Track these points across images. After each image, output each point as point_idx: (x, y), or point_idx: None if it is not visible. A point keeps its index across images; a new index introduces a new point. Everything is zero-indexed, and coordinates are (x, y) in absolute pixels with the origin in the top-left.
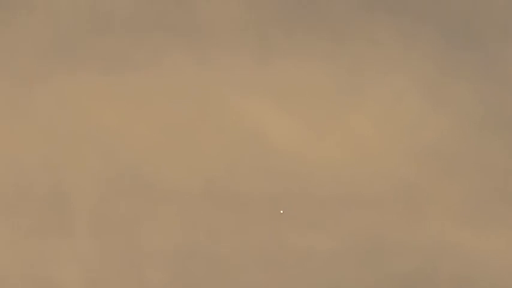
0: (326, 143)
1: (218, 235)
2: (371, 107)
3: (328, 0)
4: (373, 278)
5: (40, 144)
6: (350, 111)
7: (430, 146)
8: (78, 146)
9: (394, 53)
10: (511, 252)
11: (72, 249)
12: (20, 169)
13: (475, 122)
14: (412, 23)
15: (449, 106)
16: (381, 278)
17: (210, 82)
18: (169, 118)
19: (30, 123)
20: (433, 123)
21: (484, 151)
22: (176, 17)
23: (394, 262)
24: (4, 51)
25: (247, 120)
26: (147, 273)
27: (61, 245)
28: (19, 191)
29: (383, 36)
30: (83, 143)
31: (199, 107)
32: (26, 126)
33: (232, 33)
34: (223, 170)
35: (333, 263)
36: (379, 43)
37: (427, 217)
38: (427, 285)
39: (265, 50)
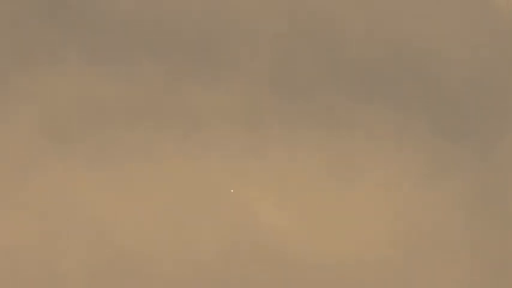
0: (319, 233)
1: None
2: (364, 196)
3: (324, 90)
4: None
5: (31, 230)
6: (343, 200)
7: (424, 234)
8: (70, 232)
9: (387, 144)
10: None
11: None
12: (12, 253)
13: (467, 210)
14: (406, 114)
15: (441, 195)
16: None
17: (203, 170)
18: (161, 206)
19: (22, 209)
20: (425, 213)
21: (476, 238)
22: (169, 105)
23: None
24: None
25: (239, 209)
26: None
27: None
28: (10, 275)
29: (377, 128)
30: (74, 230)
31: (191, 196)
32: (17, 212)
33: (226, 121)
34: (214, 258)
35: None
36: (373, 134)
37: None
38: None
39: (259, 139)
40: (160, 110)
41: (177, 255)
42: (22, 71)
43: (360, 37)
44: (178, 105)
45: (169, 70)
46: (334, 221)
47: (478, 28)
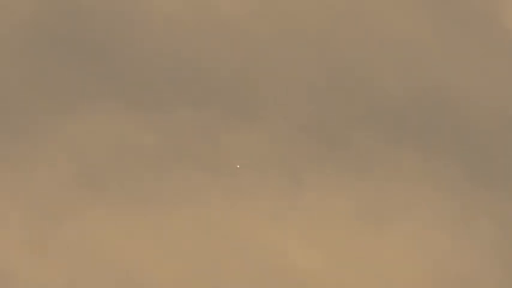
0: (349, 278)
1: None
2: (395, 242)
3: (358, 135)
4: None
5: (62, 273)
6: (374, 246)
7: (456, 282)
8: (99, 278)
9: (419, 190)
10: None
11: None
12: None
13: (502, 258)
14: (438, 159)
15: (474, 242)
16: None
17: (236, 215)
18: (192, 251)
19: (54, 257)
20: (457, 261)
21: (508, 284)
22: (205, 151)
23: None
24: (28, 185)
25: (270, 253)
26: None
27: None
28: None
29: (409, 173)
30: (103, 276)
31: (223, 241)
32: (50, 260)
33: (261, 166)
34: None
35: None
36: (405, 179)
37: None
38: None
39: (292, 183)
40: (198, 156)
41: None
42: (60, 118)
43: (395, 83)
44: (215, 151)
45: (206, 117)
46: (366, 266)
47: (511, 74)
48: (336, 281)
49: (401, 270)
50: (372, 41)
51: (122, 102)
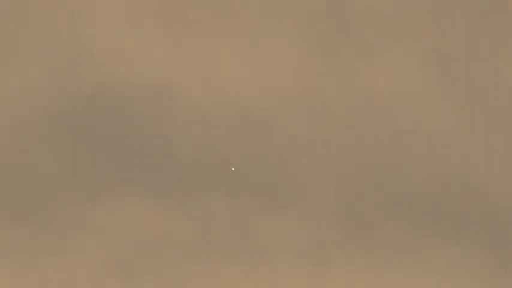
0: None
1: None
2: None
3: (386, 224)
4: None
5: None
6: None
7: None
8: None
9: (446, 278)
10: None
11: None
12: None
13: None
14: (467, 247)
15: None
16: None
17: None
18: None
19: None
20: None
21: None
22: (236, 239)
23: None
24: (58, 273)
25: None
26: None
27: None
28: None
29: (437, 261)
30: None
31: None
32: None
33: (290, 254)
34: None
35: None
36: (433, 268)
37: None
38: None
39: (321, 269)
40: (227, 244)
41: None
42: (89, 206)
43: (421, 172)
44: (245, 239)
45: (237, 205)
46: None
47: None
48: None
49: None
50: (398, 132)
51: (151, 190)
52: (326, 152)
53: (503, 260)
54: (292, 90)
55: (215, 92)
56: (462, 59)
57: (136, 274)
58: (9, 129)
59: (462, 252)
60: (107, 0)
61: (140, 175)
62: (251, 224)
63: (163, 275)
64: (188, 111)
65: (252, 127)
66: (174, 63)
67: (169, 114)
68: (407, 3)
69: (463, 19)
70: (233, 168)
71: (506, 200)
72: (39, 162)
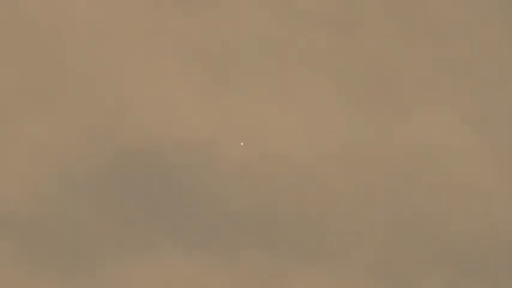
0: None
1: None
2: None
3: (423, 278)
4: None
5: None
6: None
7: None
8: None
9: None
10: None
11: None
12: None
13: None
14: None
15: None
16: None
17: None
18: None
19: None
20: None
21: None
22: None
23: None
24: None
25: None
26: None
27: None
28: None
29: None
30: None
31: None
32: None
33: None
34: None
35: None
36: None
37: None
38: None
39: None
40: None
41: None
42: (127, 258)
43: (462, 228)
44: None
45: (273, 258)
46: None
47: None
48: None
49: None
50: (437, 186)
51: (191, 245)
52: (365, 206)
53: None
54: (332, 144)
55: (255, 147)
56: (500, 114)
57: None
58: (51, 182)
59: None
60: (147, 57)
61: (180, 230)
62: (290, 278)
63: None
64: (228, 167)
65: (292, 181)
66: (214, 119)
67: (209, 169)
68: (445, 60)
69: (501, 76)
70: (242, 143)
71: None
72: (79, 215)
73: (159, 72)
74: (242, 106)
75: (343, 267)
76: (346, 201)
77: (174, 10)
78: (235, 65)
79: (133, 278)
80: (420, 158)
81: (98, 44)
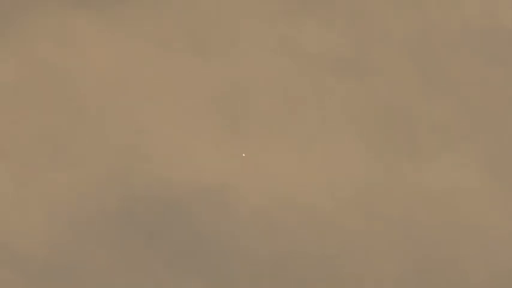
0: None
1: None
2: None
3: None
4: None
5: None
6: None
7: None
8: None
9: None
10: None
11: None
12: None
13: None
14: None
15: None
16: None
17: None
18: None
19: None
20: None
21: None
22: None
23: None
24: None
25: None
26: None
27: None
28: None
29: None
30: None
31: None
32: None
33: None
34: None
35: None
36: None
37: None
38: None
39: None
40: None
41: None
42: None
43: (480, 270)
44: None
45: None
46: None
47: None
48: None
49: None
50: (455, 229)
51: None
52: (383, 251)
53: None
54: (350, 189)
55: (271, 192)
56: None
57: None
58: (69, 227)
59: None
60: (163, 103)
61: (195, 275)
62: None
63: None
64: (244, 212)
65: (309, 226)
66: (230, 164)
67: (225, 215)
68: (462, 106)
69: None
70: (244, 154)
71: None
72: (96, 260)
73: (174, 118)
74: (258, 151)
75: None
76: (364, 246)
77: (190, 56)
78: (251, 110)
79: None
80: (438, 203)
81: (114, 90)
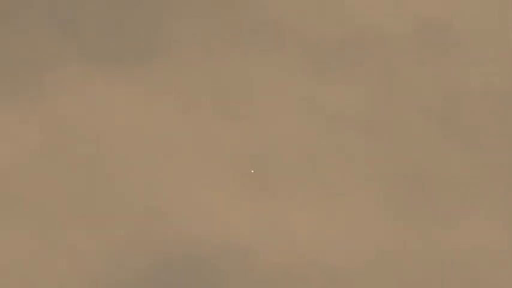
0: None
1: None
2: None
3: None
4: None
5: None
6: None
7: None
8: None
9: None
10: None
11: None
12: None
13: None
14: None
15: None
16: None
17: None
18: None
19: None
20: None
21: None
22: None
23: None
24: None
25: None
26: None
27: None
28: None
29: None
30: None
31: None
32: None
33: None
34: None
35: None
36: None
37: None
38: None
39: None
40: None
41: None
42: None
43: None
44: None
45: None
46: None
47: None
48: None
49: None
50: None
51: None
52: None
53: None
54: (372, 251)
55: (294, 253)
56: None
57: None
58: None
59: None
60: (186, 162)
61: None
62: None
63: None
64: (267, 273)
65: (331, 286)
66: (253, 224)
67: (248, 274)
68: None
69: None
70: (252, 171)
71: None
72: None
73: (197, 177)
74: (281, 210)
75: None
76: None
77: (213, 116)
78: (273, 169)
79: None
80: (461, 265)
81: (137, 150)
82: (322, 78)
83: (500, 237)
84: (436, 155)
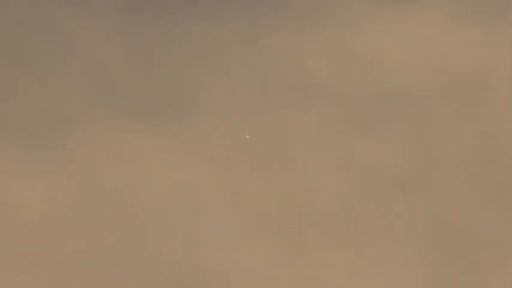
0: None
1: None
2: None
3: None
4: None
5: None
6: None
7: None
8: None
9: None
10: None
11: None
12: None
13: None
14: None
15: None
16: None
17: None
18: None
19: None
20: None
21: None
22: None
23: None
24: None
25: None
26: None
27: None
28: None
29: None
30: None
31: None
32: None
33: None
34: None
35: None
36: None
37: None
38: None
39: None
40: None
41: None
42: None
43: None
44: None
45: None
46: None
47: None
48: None
49: None
50: None
51: None
52: None
53: None
54: None
55: None
56: None
57: None
58: None
59: None
60: (218, 221)
61: None
62: None
63: None
64: None
65: None
66: (291, 282)
67: None
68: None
69: None
70: (248, 136)
71: None
72: None
73: (235, 234)
74: (318, 268)
75: None
76: None
77: (250, 173)
78: (311, 225)
79: None
80: None
81: (172, 206)
82: (358, 136)
83: None
84: (473, 211)
